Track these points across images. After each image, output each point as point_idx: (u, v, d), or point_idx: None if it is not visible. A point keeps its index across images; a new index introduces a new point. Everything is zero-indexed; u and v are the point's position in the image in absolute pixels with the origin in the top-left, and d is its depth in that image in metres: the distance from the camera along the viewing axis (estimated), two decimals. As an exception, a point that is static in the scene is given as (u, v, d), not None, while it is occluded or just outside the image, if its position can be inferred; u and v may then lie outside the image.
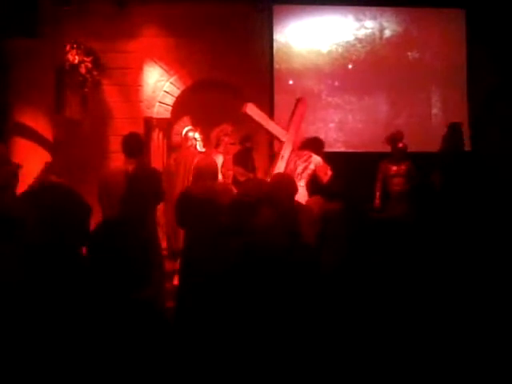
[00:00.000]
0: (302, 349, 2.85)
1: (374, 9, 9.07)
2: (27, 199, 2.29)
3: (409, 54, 9.14)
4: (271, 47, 8.90)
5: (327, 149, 7.10)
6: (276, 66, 8.93)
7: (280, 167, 6.63)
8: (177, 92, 8.81)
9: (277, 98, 8.88)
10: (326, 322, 3.03)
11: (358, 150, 8.82)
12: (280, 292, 3.09)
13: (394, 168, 7.56)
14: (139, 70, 8.63)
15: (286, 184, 4.59)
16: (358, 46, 9.04)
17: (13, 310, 2.05)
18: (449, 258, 3.57)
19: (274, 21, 8.88)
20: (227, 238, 3.47)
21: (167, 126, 8.77)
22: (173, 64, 8.76)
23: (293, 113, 7.03)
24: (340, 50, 9.02)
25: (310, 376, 2.84)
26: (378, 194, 7.67)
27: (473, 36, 8.94)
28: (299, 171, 6.45)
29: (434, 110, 9.16)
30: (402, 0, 9.01)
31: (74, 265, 2.21)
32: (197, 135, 7.13)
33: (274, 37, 8.89)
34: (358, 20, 9.05)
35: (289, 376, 2.79)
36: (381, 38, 9.07)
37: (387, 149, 7.75)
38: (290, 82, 8.99)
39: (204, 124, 7.57)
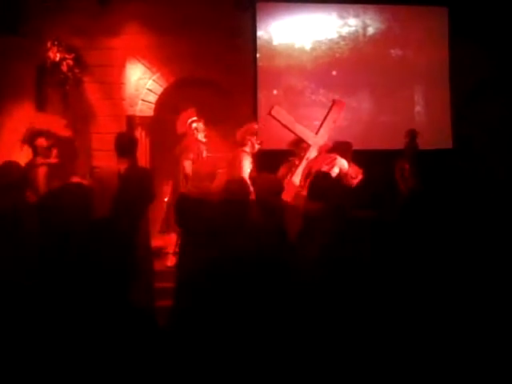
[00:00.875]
0: (292, 344, 2.84)
1: (357, 6, 9.09)
2: (49, 199, 2.28)
3: (392, 51, 9.17)
4: (254, 44, 8.85)
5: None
6: (259, 63, 8.89)
7: (302, 169, 6.67)
8: (159, 90, 8.75)
9: (260, 95, 8.86)
10: (312, 322, 3.02)
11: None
12: (268, 291, 3.08)
13: (408, 167, 7.58)
14: (121, 67, 8.55)
15: (272, 183, 4.62)
16: (342, 43, 9.04)
17: (12, 309, 2.02)
18: (437, 261, 3.56)
19: (258, 18, 8.84)
20: (222, 238, 3.48)
21: (150, 123, 8.71)
22: (155, 62, 8.68)
23: (327, 115, 6.97)
24: (323, 47, 9.01)
25: (306, 375, 2.84)
26: (404, 190, 7.65)
27: (455, 34, 8.99)
28: None
29: (417, 108, 9.21)
30: (384, -2, 9.06)
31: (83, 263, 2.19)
32: (200, 125, 7.29)
33: (258, 34, 8.85)
34: (342, 18, 9.05)
35: (288, 375, 2.78)
36: (364, 35, 9.09)
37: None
38: (275, 92, 8.95)
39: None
